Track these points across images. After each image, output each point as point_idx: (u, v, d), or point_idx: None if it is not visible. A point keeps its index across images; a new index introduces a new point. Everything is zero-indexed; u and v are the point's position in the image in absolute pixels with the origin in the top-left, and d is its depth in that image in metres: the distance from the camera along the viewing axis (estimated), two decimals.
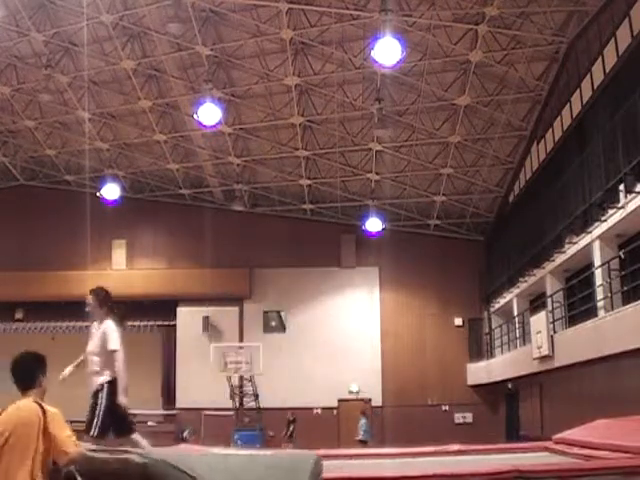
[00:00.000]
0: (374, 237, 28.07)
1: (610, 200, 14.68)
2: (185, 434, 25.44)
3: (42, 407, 4.47)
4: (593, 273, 16.17)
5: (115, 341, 8.10)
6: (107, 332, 8.10)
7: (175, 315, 29.31)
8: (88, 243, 26.55)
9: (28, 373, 4.62)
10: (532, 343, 19.25)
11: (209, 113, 21.19)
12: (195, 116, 21.71)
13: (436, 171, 25.37)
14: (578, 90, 17.88)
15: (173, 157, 26.95)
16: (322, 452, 12.65)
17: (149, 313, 28.93)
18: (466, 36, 19.16)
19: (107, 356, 7.99)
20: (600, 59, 16.30)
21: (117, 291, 31.42)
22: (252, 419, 26.97)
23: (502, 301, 25.86)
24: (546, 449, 10.41)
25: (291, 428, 25.13)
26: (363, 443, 23.67)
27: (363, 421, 24.81)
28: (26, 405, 4.50)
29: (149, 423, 27.40)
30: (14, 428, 4.34)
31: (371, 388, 28.09)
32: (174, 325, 29.36)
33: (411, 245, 28.40)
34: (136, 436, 7.93)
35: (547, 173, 20.83)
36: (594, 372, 15.58)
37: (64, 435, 4.48)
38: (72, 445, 4.48)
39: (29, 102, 24.92)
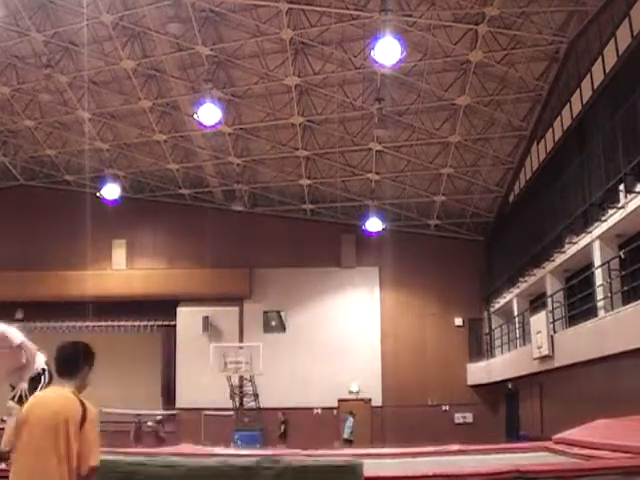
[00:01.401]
0: (374, 237, 28.07)
1: (610, 200, 14.67)
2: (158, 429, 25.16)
3: (82, 402, 4.13)
4: (593, 273, 16.16)
5: (17, 332, 7.27)
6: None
7: (175, 315, 29.31)
8: (88, 243, 26.57)
9: (70, 362, 4.29)
10: (532, 343, 19.25)
11: (209, 113, 21.20)
12: (195, 116, 21.71)
13: (436, 171, 25.36)
14: (578, 90, 17.88)
15: (173, 157, 26.95)
16: (322, 452, 12.66)
17: (149, 313, 28.98)
18: (466, 36, 19.15)
19: (12, 356, 7.05)
20: (600, 59, 16.30)
21: (117, 291, 31.47)
22: (252, 419, 26.97)
23: (502, 301, 25.86)
24: (546, 449, 10.42)
25: (282, 428, 25.27)
26: (349, 442, 23.68)
27: (351, 420, 24.84)
28: (65, 395, 4.16)
29: (149, 423, 27.42)
30: (64, 419, 4.00)
31: (371, 388, 28.09)
32: (174, 325, 29.36)
33: (411, 245, 28.39)
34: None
35: (547, 173, 20.82)
36: (594, 372, 15.58)
37: (95, 437, 4.11)
38: (95, 456, 4.09)
39: (29, 102, 24.92)
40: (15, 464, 4.06)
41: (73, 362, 4.30)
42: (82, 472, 3.99)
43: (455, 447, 10.84)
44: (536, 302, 22.13)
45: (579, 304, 17.61)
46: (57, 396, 4.17)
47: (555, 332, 18.04)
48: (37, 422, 4.07)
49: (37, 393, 4.26)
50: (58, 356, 4.35)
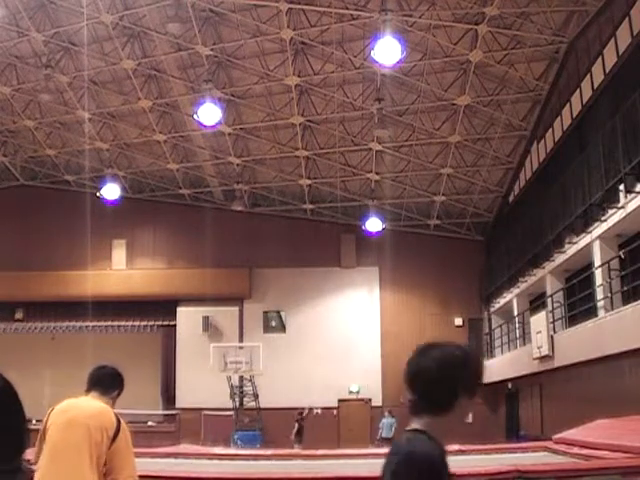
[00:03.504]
0: (374, 237, 28.07)
1: (610, 200, 14.67)
2: None
3: (117, 416, 4.16)
4: (593, 273, 16.16)
5: None
6: None
7: (175, 315, 29.30)
8: (88, 243, 26.59)
9: (105, 380, 4.37)
10: (532, 343, 19.25)
11: (209, 113, 21.21)
12: (195, 116, 21.72)
13: (436, 171, 25.36)
14: (578, 90, 17.89)
15: (173, 157, 26.94)
16: (322, 452, 12.67)
17: (149, 313, 28.97)
18: (466, 36, 19.15)
19: None
20: (600, 59, 16.31)
21: (117, 291, 31.47)
22: (252, 419, 26.95)
23: (502, 301, 25.85)
24: (546, 449, 10.43)
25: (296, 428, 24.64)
26: (388, 440, 23.50)
27: (392, 420, 24.60)
28: (101, 404, 4.18)
29: (149, 423, 27.46)
30: (97, 425, 3.99)
31: (371, 388, 28.08)
32: (174, 325, 29.35)
33: (411, 245, 28.39)
34: None
35: (547, 173, 20.83)
36: (594, 372, 15.58)
37: (130, 452, 4.10)
38: (127, 472, 4.06)
39: (29, 102, 24.92)
40: (42, 466, 3.97)
41: (106, 381, 4.37)
42: None
43: (455, 447, 10.84)
44: (536, 302, 22.13)
45: (579, 304, 17.60)
46: (91, 403, 4.19)
47: (555, 332, 18.04)
48: (69, 424, 4.03)
49: (69, 399, 4.28)
50: (97, 372, 4.41)
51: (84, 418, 4.03)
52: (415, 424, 2.38)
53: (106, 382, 4.35)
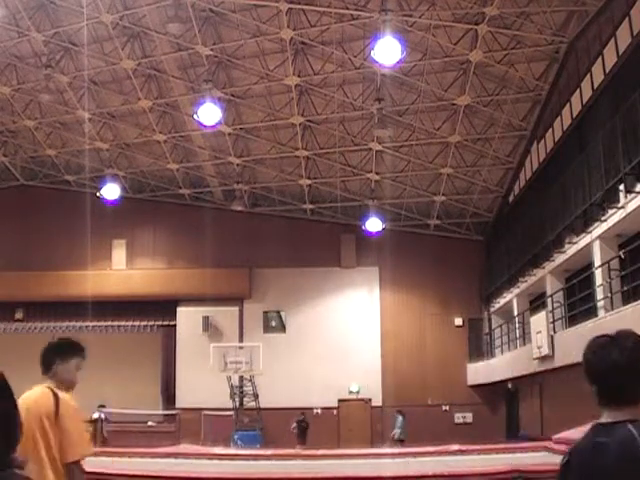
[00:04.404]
0: (374, 237, 28.07)
1: (610, 200, 14.67)
2: None
3: (55, 394, 4.08)
4: (593, 273, 16.16)
5: None
6: None
7: (175, 315, 29.30)
8: (88, 243, 26.57)
9: (44, 358, 4.27)
10: (532, 343, 19.25)
11: (209, 113, 21.21)
12: (195, 116, 21.72)
13: (436, 171, 25.37)
14: (578, 90, 17.89)
15: (173, 157, 26.94)
16: (322, 452, 12.68)
17: (149, 313, 28.97)
18: (466, 36, 19.16)
19: None
20: (600, 59, 16.31)
21: (117, 291, 31.44)
22: (252, 419, 26.95)
23: (502, 301, 25.85)
24: (546, 449, 10.42)
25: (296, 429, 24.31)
26: (400, 442, 23.41)
27: (400, 419, 24.50)
28: (39, 390, 4.14)
29: (149, 423, 27.44)
30: (35, 414, 3.94)
31: (371, 388, 28.08)
32: (174, 325, 29.35)
33: (411, 245, 28.39)
34: None
35: (547, 173, 20.83)
36: None
37: (75, 428, 4.03)
38: (82, 442, 4.05)
39: (29, 102, 24.92)
40: None
41: (44, 358, 4.28)
42: (62, 465, 3.90)
43: (455, 447, 10.85)
44: (536, 302, 22.12)
45: (579, 304, 17.60)
46: (32, 393, 4.13)
47: (555, 332, 18.04)
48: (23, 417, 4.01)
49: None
50: (40, 354, 4.32)
51: (30, 407, 3.96)
52: (620, 415, 2.33)
53: (45, 360, 4.28)
